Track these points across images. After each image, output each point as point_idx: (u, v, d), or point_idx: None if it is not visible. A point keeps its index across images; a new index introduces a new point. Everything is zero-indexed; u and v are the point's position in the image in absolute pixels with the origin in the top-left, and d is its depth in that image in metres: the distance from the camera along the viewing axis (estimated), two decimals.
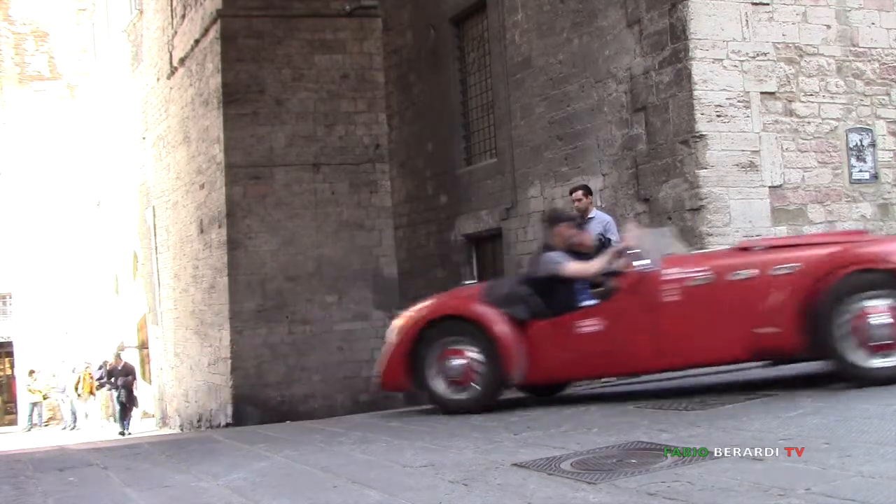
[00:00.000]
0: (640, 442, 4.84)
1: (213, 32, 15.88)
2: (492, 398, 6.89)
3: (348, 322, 15.65)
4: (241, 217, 15.31)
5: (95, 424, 25.69)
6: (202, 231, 17.09)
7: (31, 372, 27.87)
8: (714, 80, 8.79)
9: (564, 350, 6.59)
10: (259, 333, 15.22)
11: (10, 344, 31.83)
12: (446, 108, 13.93)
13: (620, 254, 6.56)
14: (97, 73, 29.37)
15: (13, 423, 29.92)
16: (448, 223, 13.86)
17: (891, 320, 5.55)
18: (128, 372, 22.52)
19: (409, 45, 15.12)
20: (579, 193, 9.17)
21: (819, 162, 9.18)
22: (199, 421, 17.64)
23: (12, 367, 31.66)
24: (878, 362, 5.62)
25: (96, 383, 25.81)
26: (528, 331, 6.67)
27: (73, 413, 27.09)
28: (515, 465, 4.61)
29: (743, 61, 8.92)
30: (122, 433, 21.42)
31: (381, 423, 7.74)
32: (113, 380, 22.73)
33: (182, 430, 18.84)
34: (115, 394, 22.49)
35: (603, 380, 9.11)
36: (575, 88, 10.52)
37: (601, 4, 10.01)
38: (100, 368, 24.66)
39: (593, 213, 9.16)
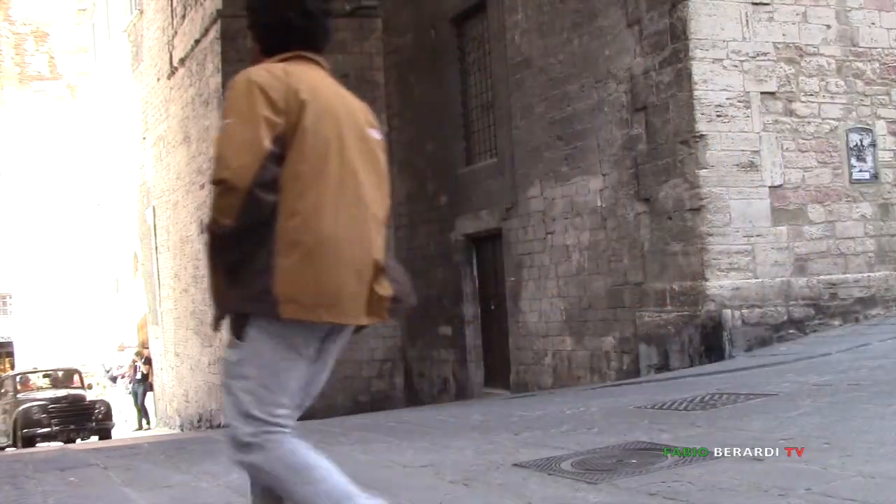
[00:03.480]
0: (640, 442, 4.84)
1: (214, 32, 15.88)
2: None
3: None
4: None
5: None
6: (202, 231, 17.07)
7: (36, 369, 27.96)
8: (714, 80, 8.79)
9: None
10: None
11: (10, 344, 31.86)
12: (446, 108, 13.92)
13: None
14: (97, 73, 29.37)
15: None
16: (448, 223, 13.86)
17: None
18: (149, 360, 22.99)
19: (409, 45, 15.12)
20: None
21: (819, 162, 9.17)
22: (199, 421, 17.65)
23: (12, 367, 31.69)
24: None
25: (109, 381, 25.86)
26: None
27: None
28: (515, 465, 4.61)
29: (743, 61, 8.91)
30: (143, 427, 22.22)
31: (381, 423, 7.75)
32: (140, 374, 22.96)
33: (182, 430, 18.84)
34: (139, 388, 22.75)
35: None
36: (575, 88, 10.52)
37: (601, 4, 10.01)
38: (134, 361, 24.22)
39: None
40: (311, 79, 2.67)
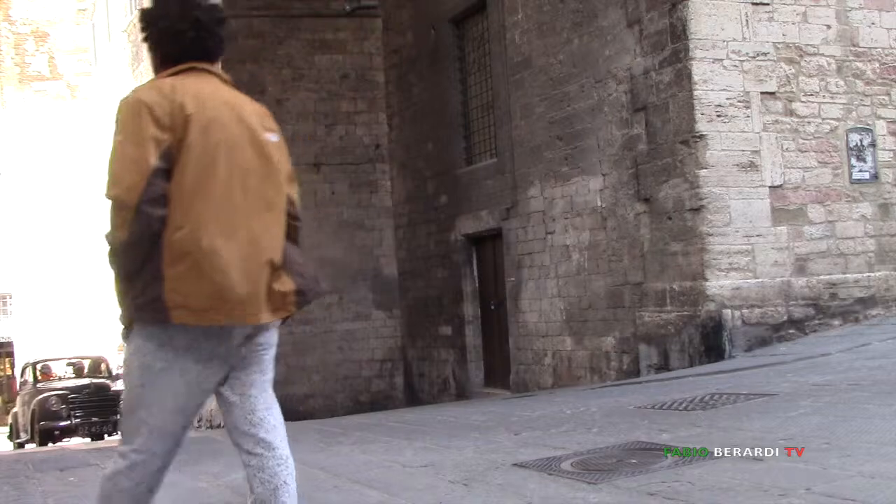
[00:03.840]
0: (640, 442, 4.84)
1: None
2: None
3: (348, 322, 15.65)
4: None
5: None
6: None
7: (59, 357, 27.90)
8: (714, 80, 8.79)
9: None
10: None
11: (10, 344, 31.84)
12: (446, 108, 13.92)
13: None
14: (97, 73, 29.37)
15: None
16: (448, 223, 13.86)
17: None
18: None
19: (409, 45, 15.12)
20: None
21: (819, 162, 9.17)
22: (199, 421, 17.64)
23: (12, 367, 31.67)
24: None
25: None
26: None
27: None
28: (515, 465, 4.61)
29: (743, 61, 8.91)
30: None
31: (381, 423, 7.75)
32: None
33: None
34: None
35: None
36: (575, 88, 10.51)
37: (601, 4, 10.01)
38: None
39: None
40: (199, 91, 2.78)
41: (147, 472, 2.75)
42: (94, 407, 16.72)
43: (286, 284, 2.81)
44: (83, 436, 16.21)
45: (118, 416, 15.76)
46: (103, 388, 17.10)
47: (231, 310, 2.69)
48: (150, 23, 2.92)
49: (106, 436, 16.24)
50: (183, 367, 2.73)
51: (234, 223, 2.73)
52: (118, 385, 18.03)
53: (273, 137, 2.93)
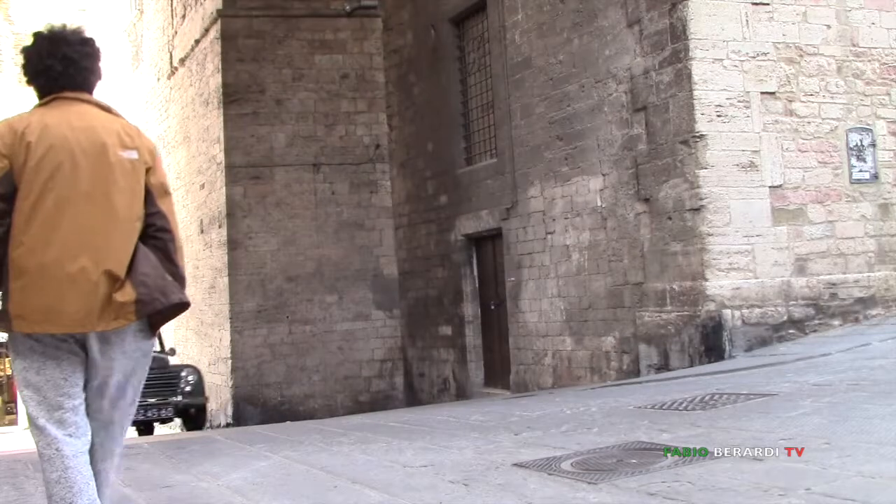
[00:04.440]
0: (640, 442, 4.84)
1: (214, 32, 15.88)
2: None
3: (348, 322, 15.65)
4: (241, 217, 15.31)
5: None
6: (202, 231, 17.09)
7: None
8: (714, 80, 8.79)
9: None
10: (259, 333, 15.22)
11: None
12: (446, 108, 13.92)
13: None
14: None
15: (13, 423, 29.93)
16: (448, 223, 13.86)
17: None
18: None
19: (409, 45, 15.12)
20: None
21: (819, 162, 9.17)
22: None
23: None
24: None
25: None
26: None
27: None
28: (515, 465, 4.61)
29: (743, 61, 8.91)
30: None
31: (381, 423, 7.75)
32: None
33: (182, 430, 18.82)
34: None
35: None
36: (575, 88, 10.52)
37: (601, 4, 10.01)
38: None
39: None
40: (48, 120, 3.08)
41: (64, 459, 2.98)
42: (148, 387, 14.05)
43: (127, 294, 3.03)
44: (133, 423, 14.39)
45: (179, 398, 13.46)
46: (160, 364, 13.00)
47: (62, 320, 2.98)
48: (26, 61, 3.24)
49: (157, 424, 13.65)
50: (47, 364, 3.03)
51: (69, 239, 2.99)
52: (174, 360, 15.21)
53: (130, 154, 3.16)
